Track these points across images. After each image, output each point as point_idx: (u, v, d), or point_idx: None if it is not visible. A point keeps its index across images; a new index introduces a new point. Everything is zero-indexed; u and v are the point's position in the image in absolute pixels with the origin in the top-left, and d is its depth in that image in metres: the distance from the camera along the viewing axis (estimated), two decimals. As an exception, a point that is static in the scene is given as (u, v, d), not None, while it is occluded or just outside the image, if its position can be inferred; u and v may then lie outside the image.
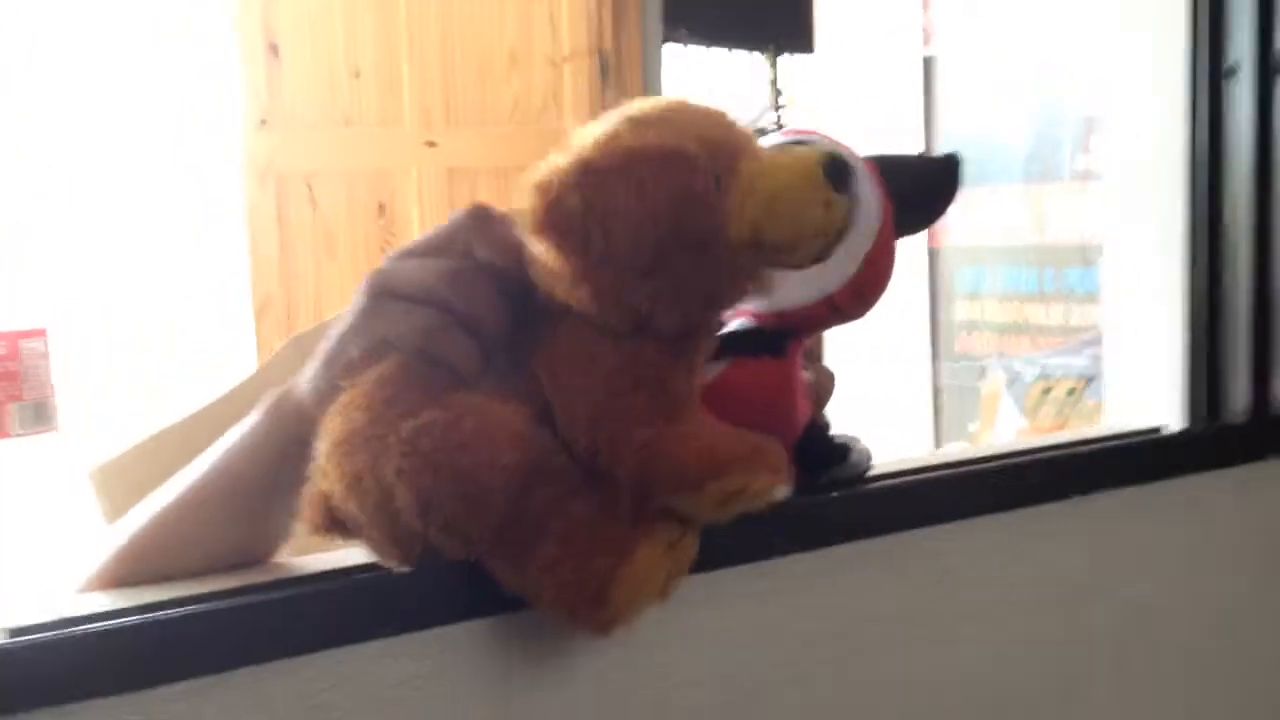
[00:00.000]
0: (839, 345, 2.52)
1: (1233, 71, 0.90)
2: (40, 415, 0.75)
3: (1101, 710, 0.84)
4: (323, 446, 0.56)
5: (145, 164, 2.95)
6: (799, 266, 0.59)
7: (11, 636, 0.51)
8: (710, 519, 0.57)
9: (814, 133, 0.70)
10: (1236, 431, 0.92)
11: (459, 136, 3.10)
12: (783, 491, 0.56)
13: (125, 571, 0.64)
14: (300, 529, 0.58)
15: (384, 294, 0.60)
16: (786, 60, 5.96)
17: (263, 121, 2.91)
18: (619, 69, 3.33)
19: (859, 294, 0.66)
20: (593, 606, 0.55)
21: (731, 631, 0.67)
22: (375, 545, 0.56)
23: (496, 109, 3.15)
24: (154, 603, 0.56)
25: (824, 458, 0.71)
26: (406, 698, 0.58)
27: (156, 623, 0.53)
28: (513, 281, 0.59)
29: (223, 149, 2.92)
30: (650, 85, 3.50)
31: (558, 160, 0.55)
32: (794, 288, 0.65)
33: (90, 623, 0.53)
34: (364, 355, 0.59)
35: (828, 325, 0.69)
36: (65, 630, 0.52)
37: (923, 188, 0.70)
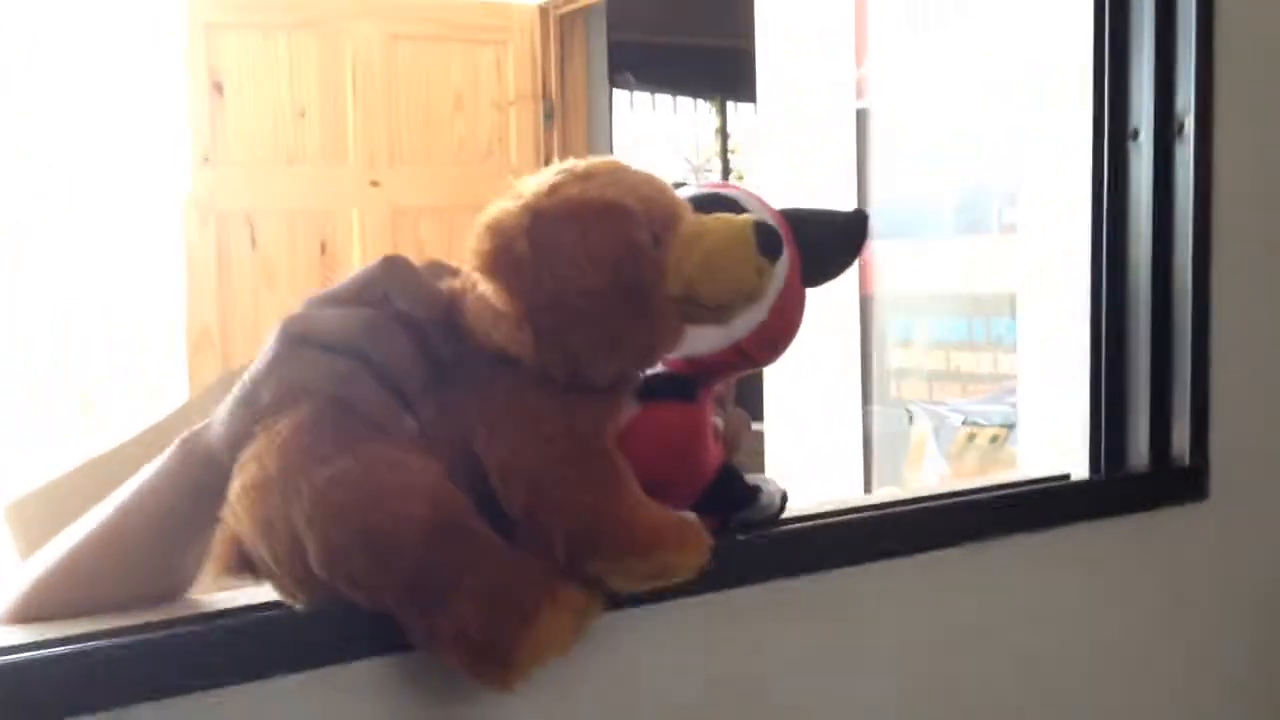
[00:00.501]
0: (776, 389, 2.56)
1: (1135, 134, 0.94)
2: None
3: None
4: (235, 489, 0.57)
5: (86, 195, 2.93)
6: (722, 324, 0.62)
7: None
8: (632, 589, 0.59)
9: (731, 186, 0.73)
10: (1136, 480, 0.95)
11: (403, 177, 3.12)
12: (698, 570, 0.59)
13: (38, 605, 0.65)
14: (211, 568, 0.59)
15: (299, 340, 0.60)
16: (733, 108, 6.05)
17: (205, 158, 2.91)
18: (564, 113, 3.37)
19: (767, 341, 0.69)
20: (497, 667, 0.56)
21: (637, 672, 0.69)
22: (284, 590, 0.57)
23: (441, 150, 3.18)
24: (54, 638, 0.56)
25: (735, 500, 0.73)
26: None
27: (54, 658, 0.54)
28: (431, 332, 0.60)
29: (165, 184, 2.92)
30: (595, 129, 3.55)
31: (506, 205, 0.57)
32: (704, 334, 0.68)
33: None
34: (276, 400, 0.59)
35: (737, 371, 0.71)
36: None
37: (830, 241, 0.72)
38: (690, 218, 0.60)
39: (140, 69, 2.92)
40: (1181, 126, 0.92)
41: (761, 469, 2.81)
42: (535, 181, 0.59)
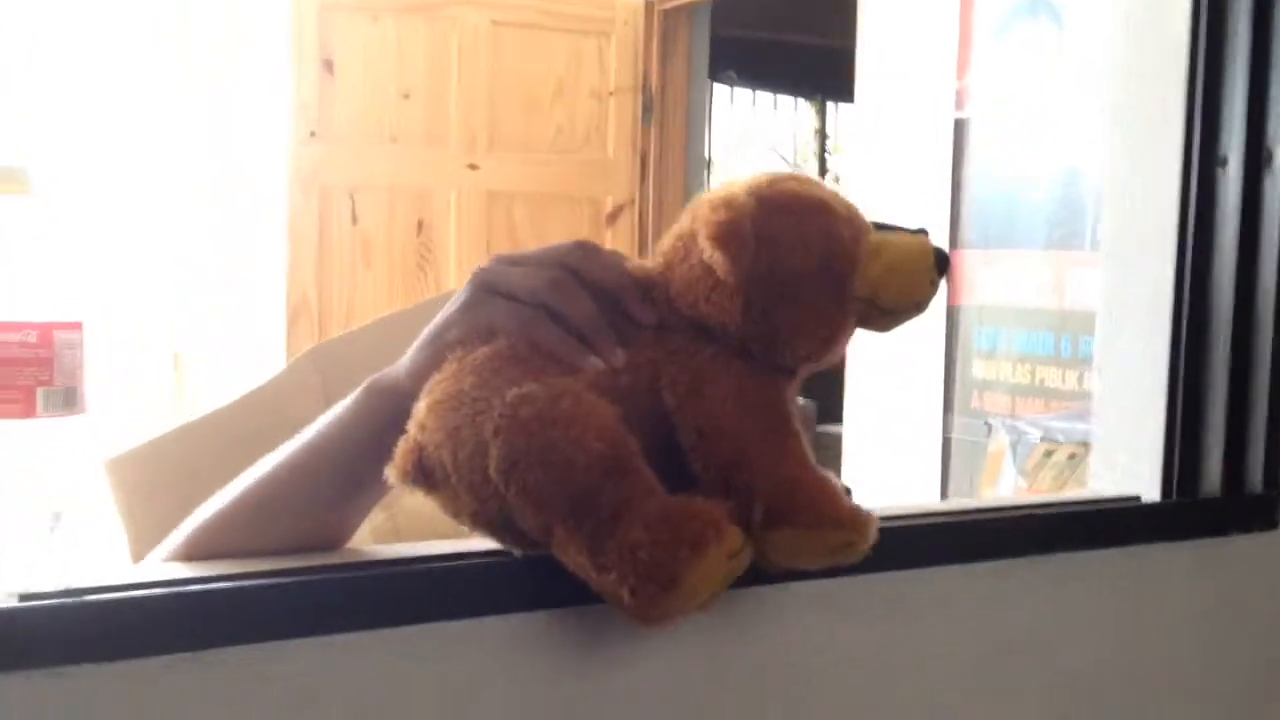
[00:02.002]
0: (858, 393, 2.55)
1: (1224, 162, 0.93)
2: (68, 400, 0.81)
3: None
4: (426, 401, 0.62)
5: (193, 167, 3.03)
6: (886, 330, 0.68)
7: (21, 600, 0.56)
8: (805, 563, 0.64)
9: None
10: (1207, 506, 0.95)
11: (501, 161, 3.17)
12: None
13: (210, 543, 0.69)
14: (391, 474, 0.63)
15: (490, 290, 0.66)
16: (833, 109, 6.02)
17: (311, 134, 2.99)
18: (663, 107, 3.39)
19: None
20: (660, 590, 0.58)
21: (692, 658, 0.71)
22: (456, 500, 0.61)
23: (539, 137, 3.22)
24: (220, 574, 0.61)
25: None
26: (398, 688, 0.62)
27: (219, 592, 0.59)
28: (628, 299, 0.66)
29: (270, 158, 3.00)
30: (694, 124, 3.56)
31: (734, 187, 0.65)
32: None
33: (95, 594, 0.57)
34: (463, 339, 0.65)
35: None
36: (70, 599, 0.56)
37: None
38: (874, 232, 0.67)
39: (253, 47, 3.01)
40: (1271, 156, 0.92)
41: (838, 472, 2.80)
42: (748, 177, 0.66)
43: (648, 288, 0.66)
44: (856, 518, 0.63)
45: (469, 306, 0.67)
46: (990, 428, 2.12)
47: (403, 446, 0.62)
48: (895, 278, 0.65)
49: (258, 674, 0.59)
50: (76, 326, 0.80)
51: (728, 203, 0.63)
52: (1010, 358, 2.22)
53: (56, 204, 2.58)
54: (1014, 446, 2.02)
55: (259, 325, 2.97)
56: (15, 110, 2.69)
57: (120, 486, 1.18)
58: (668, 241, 0.67)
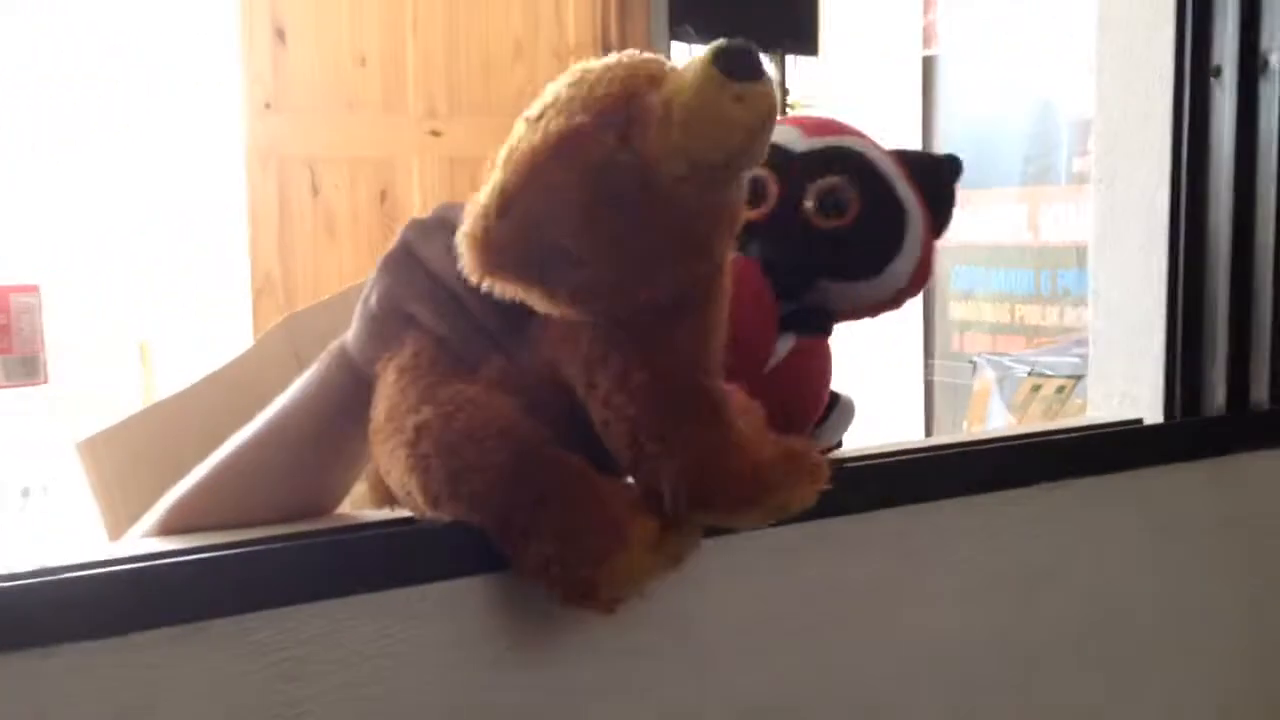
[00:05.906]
0: (834, 344, 2.53)
1: (1218, 71, 0.91)
2: (29, 369, 0.77)
3: (1059, 695, 0.85)
4: (370, 427, 0.60)
5: (147, 144, 2.96)
6: (743, 171, 0.54)
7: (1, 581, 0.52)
8: (745, 527, 0.60)
9: (843, 125, 0.75)
10: (1212, 425, 0.93)
11: (462, 126, 3.11)
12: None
13: (184, 519, 0.67)
14: (370, 500, 0.63)
15: (409, 254, 0.62)
16: (793, 62, 5.97)
17: (267, 105, 2.92)
18: (623, 63, 3.34)
19: (918, 282, 0.75)
20: (582, 599, 0.57)
21: (704, 601, 0.69)
22: (421, 516, 0.59)
23: (500, 99, 3.16)
24: (190, 548, 0.58)
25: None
26: (391, 651, 0.59)
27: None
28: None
29: (226, 131, 2.93)
30: (655, 81, 3.52)
31: (478, 201, 0.54)
32: (871, 290, 0.74)
33: (70, 571, 0.54)
34: (382, 312, 0.63)
35: (885, 311, 0.77)
36: (46, 577, 0.53)
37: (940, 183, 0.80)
38: (659, 84, 0.52)
39: (201, 19, 2.93)
40: (1266, 63, 0.89)
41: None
42: (505, 146, 0.55)
43: None
44: (778, 479, 0.56)
45: (388, 269, 0.63)
46: (975, 365, 2.10)
47: (369, 473, 0.63)
48: (700, 131, 0.50)
49: (251, 644, 0.56)
50: (33, 289, 0.75)
51: (474, 233, 0.52)
52: (989, 297, 2.20)
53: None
54: (1000, 383, 2.00)
55: (223, 307, 2.91)
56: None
57: (94, 468, 1.15)
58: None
